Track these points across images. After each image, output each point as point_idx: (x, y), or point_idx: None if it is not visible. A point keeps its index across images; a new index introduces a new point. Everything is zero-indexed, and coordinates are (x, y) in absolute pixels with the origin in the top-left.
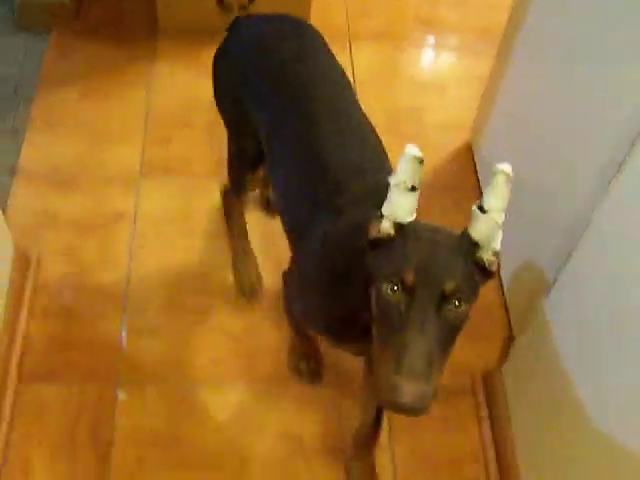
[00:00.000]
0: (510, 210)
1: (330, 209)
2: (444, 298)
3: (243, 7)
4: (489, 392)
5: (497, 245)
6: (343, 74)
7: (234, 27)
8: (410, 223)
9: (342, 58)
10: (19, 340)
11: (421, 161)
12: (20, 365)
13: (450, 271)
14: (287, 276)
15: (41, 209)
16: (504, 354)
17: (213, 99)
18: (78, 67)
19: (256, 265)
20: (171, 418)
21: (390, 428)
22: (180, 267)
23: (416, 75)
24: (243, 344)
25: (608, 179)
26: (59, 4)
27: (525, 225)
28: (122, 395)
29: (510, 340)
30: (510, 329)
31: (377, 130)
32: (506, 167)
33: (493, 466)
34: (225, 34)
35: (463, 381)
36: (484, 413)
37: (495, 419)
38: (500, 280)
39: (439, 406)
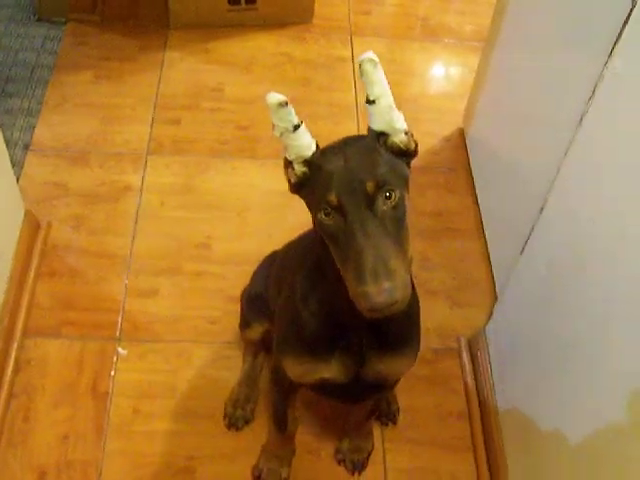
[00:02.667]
0: (494, 182)
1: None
2: (371, 197)
3: (250, 1)
4: (473, 353)
5: (401, 124)
6: None
7: None
8: (314, 153)
9: (343, 52)
10: (26, 297)
11: (286, 102)
12: (26, 320)
13: (366, 172)
14: (273, 341)
15: (52, 181)
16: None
17: (218, 86)
18: (93, 54)
19: (256, 400)
20: (167, 372)
21: None
22: (180, 236)
23: (413, 67)
24: (238, 304)
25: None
26: None
27: (506, 191)
28: (122, 351)
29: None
30: (496, 295)
31: None
32: (369, 54)
33: (478, 424)
34: None
35: (450, 344)
36: (469, 373)
37: (479, 378)
38: (487, 248)
39: (427, 367)
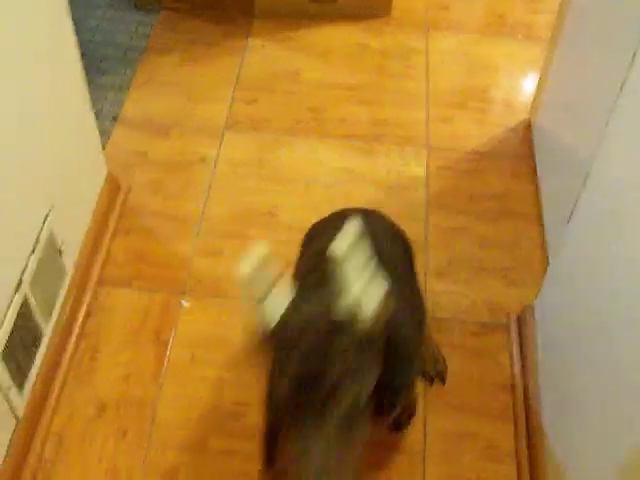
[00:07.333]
0: (555, 170)
1: None
2: (323, 400)
3: None
4: (522, 326)
5: (372, 304)
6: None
7: None
8: (278, 327)
9: (418, 43)
10: (102, 250)
11: (260, 268)
12: (100, 271)
13: (320, 375)
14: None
15: (135, 149)
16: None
17: (295, 71)
18: (181, 39)
19: None
20: (225, 325)
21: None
22: (248, 204)
23: (485, 61)
24: None
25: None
26: None
27: (566, 178)
28: (185, 304)
29: None
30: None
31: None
32: (335, 251)
33: (520, 396)
34: None
35: (500, 319)
36: (516, 347)
37: (525, 353)
38: (544, 233)
39: (475, 339)
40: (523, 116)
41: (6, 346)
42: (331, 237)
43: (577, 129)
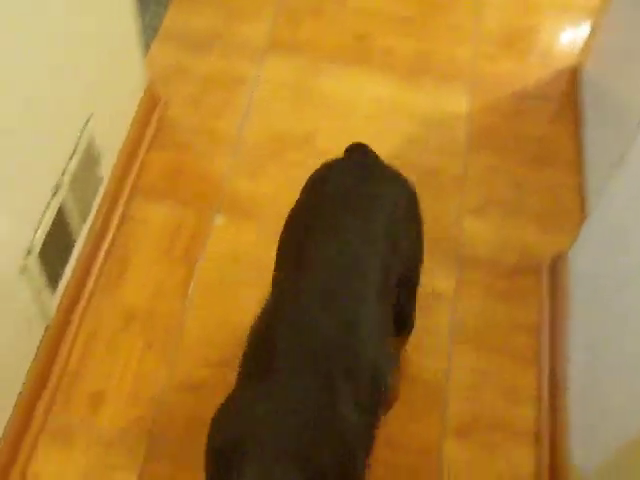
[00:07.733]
0: (602, 118)
1: None
2: None
3: None
4: (554, 273)
5: None
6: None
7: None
8: None
9: None
10: (137, 164)
11: None
12: (134, 183)
13: None
14: None
15: (175, 64)
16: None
17: None
18: None
19: None
20: (256, 245)
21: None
22: (287, 127)
23: (537, 2)
24: None
25: None
26: None
27: (613, 128)
28: (218, 222)
29: None
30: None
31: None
32: None
33: (546, 338)
34: None
35: (532, 263)
36: (546, 292)
37: (556, 298)
38: (585, 180)
39: (506, 280)
40: (571, 59)
41: (42, 248)
42: None
43: (632, 76)
